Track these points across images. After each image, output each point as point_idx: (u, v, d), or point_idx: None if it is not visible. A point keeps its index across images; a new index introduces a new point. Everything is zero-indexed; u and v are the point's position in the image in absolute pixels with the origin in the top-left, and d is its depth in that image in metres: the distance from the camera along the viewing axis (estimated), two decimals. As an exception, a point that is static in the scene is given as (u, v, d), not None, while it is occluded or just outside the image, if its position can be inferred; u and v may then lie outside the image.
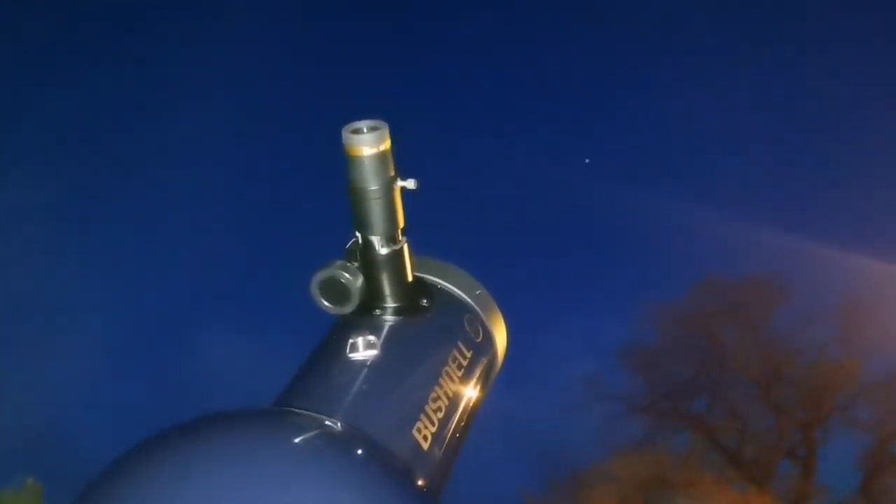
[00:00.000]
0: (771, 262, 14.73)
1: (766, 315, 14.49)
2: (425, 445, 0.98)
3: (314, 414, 0.90)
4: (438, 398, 1.04)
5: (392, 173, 1.03)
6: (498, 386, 1.27)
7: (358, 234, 1.06)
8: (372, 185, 1.02)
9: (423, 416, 1.00)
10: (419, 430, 0.98)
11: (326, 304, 1.07)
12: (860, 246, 13.42)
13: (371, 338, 1.03)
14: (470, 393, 1.11)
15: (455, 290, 1.19)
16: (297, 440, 0.81)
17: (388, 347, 1.04)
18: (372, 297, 1.08)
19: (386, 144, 1.01)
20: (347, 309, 1.06)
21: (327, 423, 0.88)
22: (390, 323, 1.08)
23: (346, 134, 1.00)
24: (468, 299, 1.19)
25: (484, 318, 1.20)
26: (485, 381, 1.18)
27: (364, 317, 1.08)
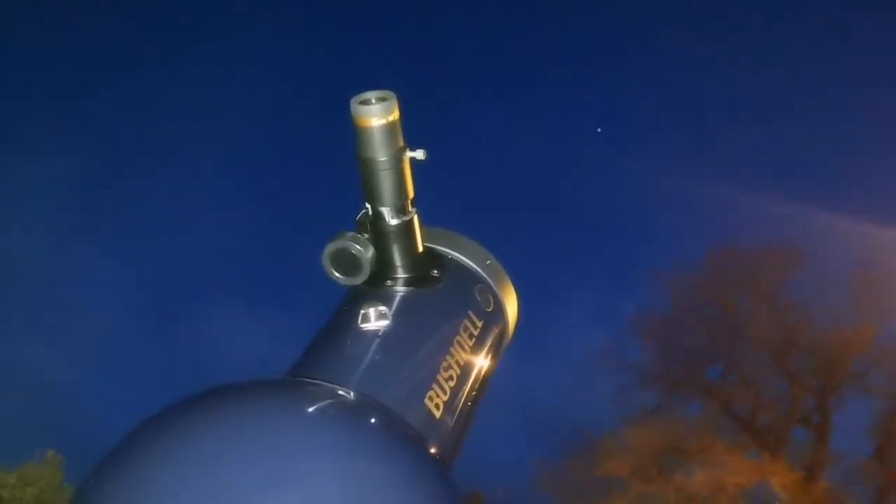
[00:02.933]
0: (785, 230, 14.64)
1: (779, 284, 14.45)
2: (437, 414, 0.99)
3: (327, 384, 0.91)
4: (450, 367, 1.04)
5: (401, 144, 1.03)
6: (511, 355, 1.28)
7: (368, 205, 1.06)
8: (381, 156, 1.02)
9: (434, 385, 1.01)
10: (431, 399, 0.99)
11: (338, 275, 1.07)
12: (873, 214, 13.31)
13: (382, 308, 1.04)
14: (481, 362, 1.12)
15: (466, 260, 1.19)
16: (310, 409, 0.82)
17: (400, 318, 1.04)
18: (383, 268, 1.08)
19: (395, 115, 1.01)
20: (359, 280, 1.07)
21: (340, 392, 0.89)
22: (401, 293, 1.08)
23: (354, 105, 1.00)
24: (479, 269, 1.19)
25: (495, 288, 1.20)
26: (496, 350, 1.19)
27: (375, 287, 1.08)
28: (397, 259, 1.08)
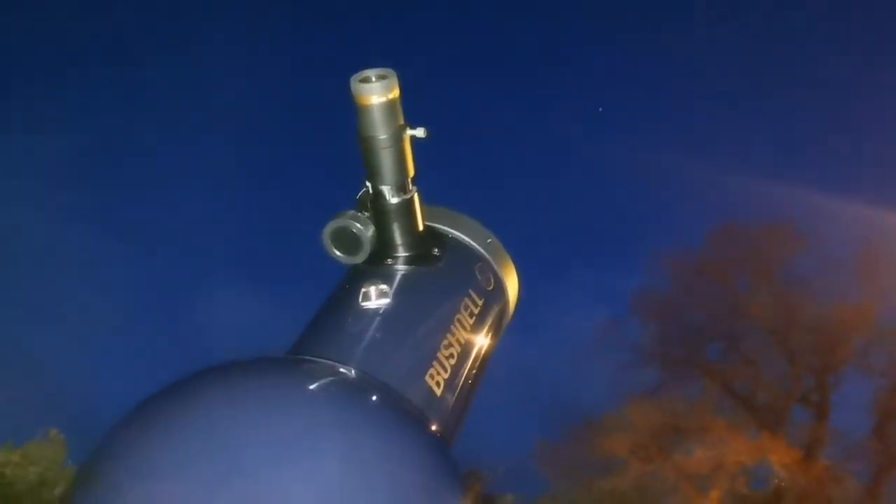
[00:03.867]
0: (785, 209, 14.62)
1: (780, 263, 14.44)
2: (438, 391, 0.99)
3: (328, 361, 0.91)
4: (451, 345, 1.04)
5: (401, 122, 1.02)
6: (511, 334, 1.28)
7: (368, 183, 1.06)
8: (381, 134, 1.01)
9: (435, 363, 1.01)
10: (432, 377, 0.99)
11: (338, 253, 1.07)
12: (875, 194, 13.29)
13: (383, 287, 1.04)
14: (482, 340, 1.12)
15: (466, 238, 1.19)
16: (312, 387, 0.82)
17: (400, 296, 1.05)
18: (383, 247, 1.08)
19: (395, 93, 1.00)
20: (359, 258, 1.07)
21: (341, 370, 0.89)
22: (402, 272, 1.08)
23: (354, 83, 1.00)
24: (479, 248, 1.19)
25: (495, 267, 1.20)
26: (497, 328, 1.19)
27: (376, 266, 1.08)
28: (398, 237, 1.08)
